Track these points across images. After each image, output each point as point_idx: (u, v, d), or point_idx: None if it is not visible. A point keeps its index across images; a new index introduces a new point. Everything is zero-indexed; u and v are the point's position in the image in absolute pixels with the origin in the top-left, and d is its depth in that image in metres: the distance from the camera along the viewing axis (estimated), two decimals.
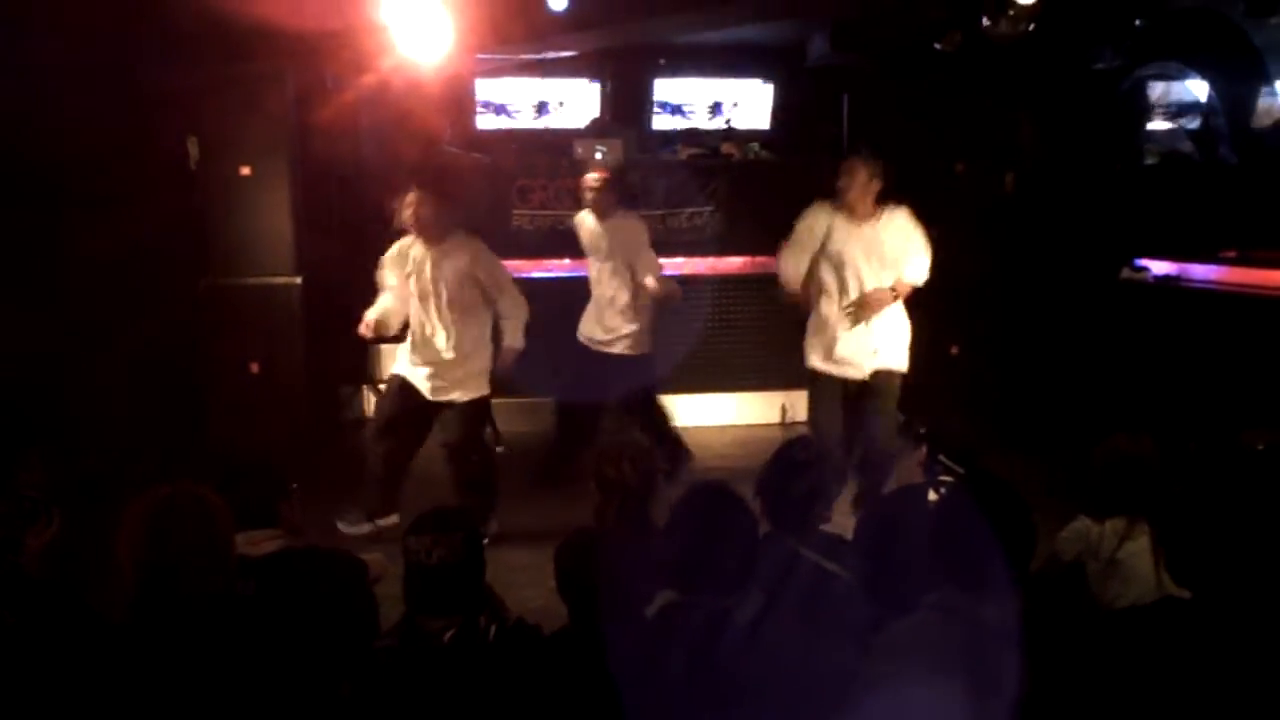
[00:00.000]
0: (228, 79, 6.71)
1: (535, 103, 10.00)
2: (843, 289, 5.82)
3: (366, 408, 8.14)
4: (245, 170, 6.88)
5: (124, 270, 6.02)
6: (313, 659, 2.69)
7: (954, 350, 7.59)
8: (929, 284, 7.49)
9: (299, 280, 7.00)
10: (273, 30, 6.16)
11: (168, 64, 6.33)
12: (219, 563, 2.61)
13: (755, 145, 9.07)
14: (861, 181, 5.75)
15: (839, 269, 5.81)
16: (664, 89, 10.20)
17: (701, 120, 10.13)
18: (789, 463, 3.45)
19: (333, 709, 2.68)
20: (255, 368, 6.94)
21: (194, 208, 6.93)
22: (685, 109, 10.22)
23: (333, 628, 2.94)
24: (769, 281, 7.96)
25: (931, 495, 3.82)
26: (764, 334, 8.08)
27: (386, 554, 3.50)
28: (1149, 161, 8.50)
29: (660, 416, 6.75)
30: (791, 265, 5.92)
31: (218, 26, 6.24)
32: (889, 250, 5.77)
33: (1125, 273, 7.40)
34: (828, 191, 9.21)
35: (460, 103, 9.42)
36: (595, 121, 9.43)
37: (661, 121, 10.24)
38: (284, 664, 2.58)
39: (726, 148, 8.96)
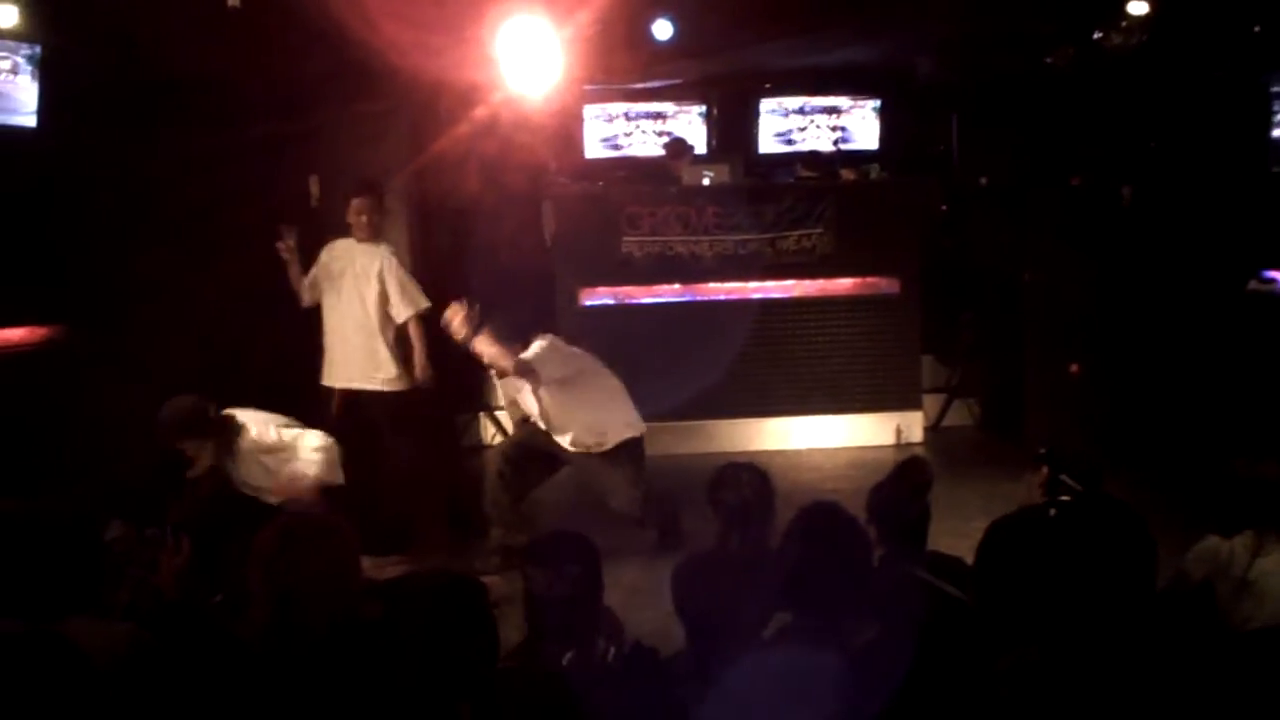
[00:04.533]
0: (347, 119, 6.93)
1: (642, 131, 10.13)
2: None
3: (484, 435, 8.29)
4: None
5: (251, 305, 6.26)
6: (435, 681, 2.76)
7: (1074, 368, 7.43)
8: (1046, 302, 7.37)
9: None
10: (389, 70, 6.36)
11: (290, 107, 6.58)
12: (345, 586, 2.68)
13: (876, 167, 9.02)
14: None
15: None
16: (770, 112, 10.23)
17: (814, 142, 10.15)
18: (905, 484, 3.43)
19: None
20: None
21: (316, 244, 7.15)
22: (795, 131, 10.24)
23: (455, 650, 3.01)
24: (880, 302, 7.99)
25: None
26: (876, 355, 8.01)
27: (506, 579, 3.60)
28: (1276, 170, 8.23)
29: None
30: None
31: (337, 69, 6.46)
32: None
33: (1252, 284, 7.17)
34: (936, 211, 9.18)
35: (569, 133, 9.56)
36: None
37: (769, 144, 10.27)
38: (407, 685, 2.64)
39: (846, 173, 8.93)
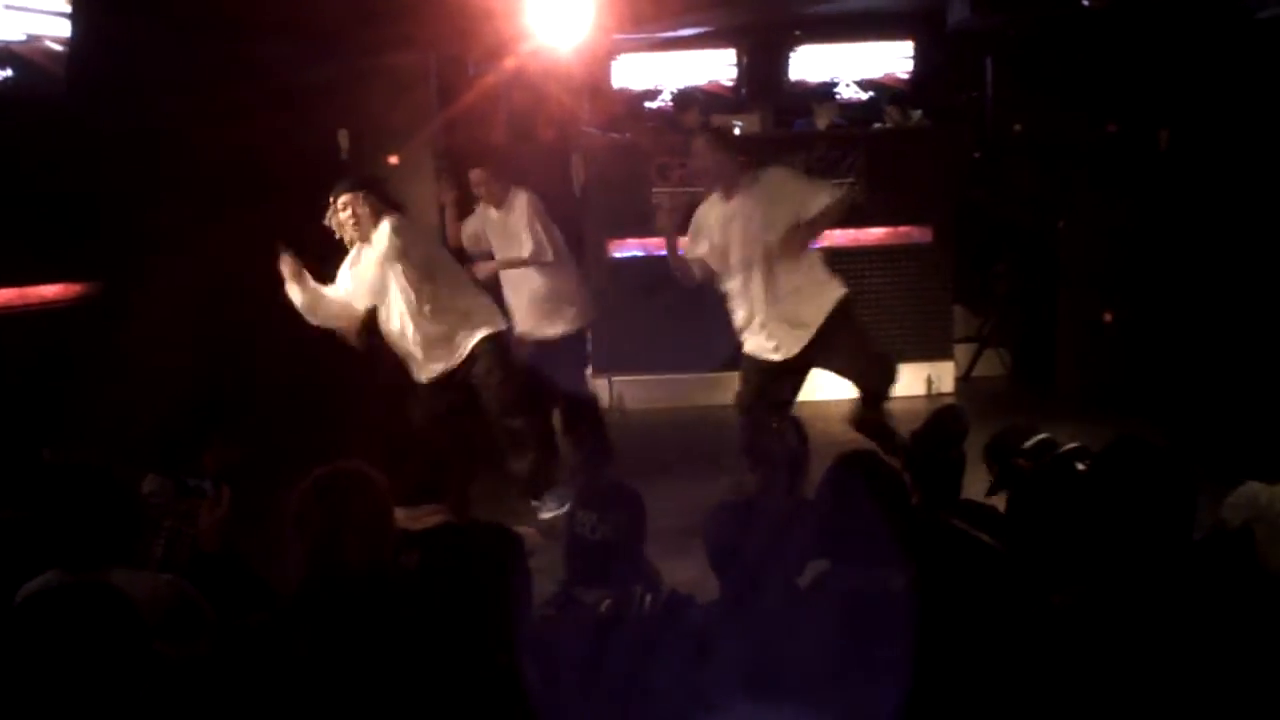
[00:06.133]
0: (374, 71, 6.91)
1: (671, 81, 10.04)
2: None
3: None
4: (393, 159, 7.08)
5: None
6: (471, 629, 2.78)
7: (1108, 317, 7.35)
8: (1080, 251, 7.25)
9: None
10: (417, 21, 6.33)
11: (317, 59, 6.57)
12: (380, 537, 2.70)
13: (919, 113, 8.91)
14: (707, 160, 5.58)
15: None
16: (800, 60, 10.12)
17: (845, 90, 10.05)
18: (940, 433, 3.41)
19: (491, 678, 2.77)
20: None
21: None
22: (826, 79, 10.14)
23: (490, 599, 3.03)
24: (912, 251, 7.92)
25: (1080, 467, 3.73)
26: (908, 305, 7.96)
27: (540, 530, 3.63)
28: None
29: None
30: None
31: (363, 20, 6.44)
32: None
33: None
34: (969, 159, 9.04)
35: (598, 84, 9.50)
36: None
37: (800, 93, 10.17)
38: (443, 634, 2.67)
39: (890, 110, 8.82)
